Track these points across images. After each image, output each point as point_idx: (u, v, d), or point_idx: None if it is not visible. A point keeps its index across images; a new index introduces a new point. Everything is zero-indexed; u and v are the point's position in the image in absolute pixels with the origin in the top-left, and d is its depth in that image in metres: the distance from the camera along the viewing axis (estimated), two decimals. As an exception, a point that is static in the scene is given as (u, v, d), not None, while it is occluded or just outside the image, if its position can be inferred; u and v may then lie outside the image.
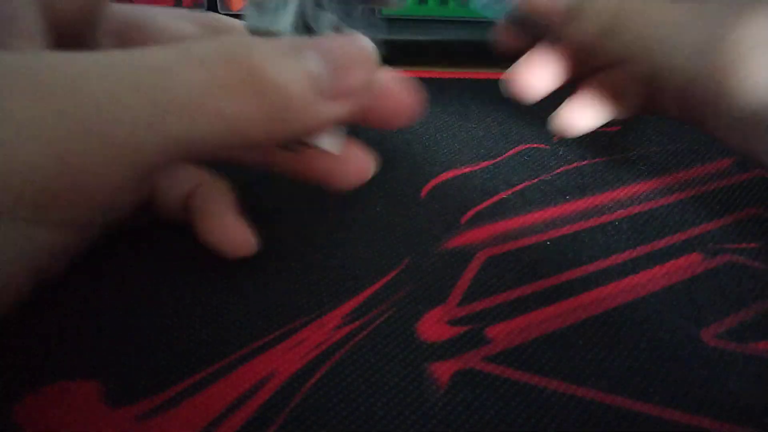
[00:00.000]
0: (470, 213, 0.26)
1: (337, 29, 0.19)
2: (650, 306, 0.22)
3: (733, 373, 0.20)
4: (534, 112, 0.34)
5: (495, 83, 0.37)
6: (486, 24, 0.42)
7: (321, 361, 0.19)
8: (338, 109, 0.16)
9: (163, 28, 0.21)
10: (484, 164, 0.29)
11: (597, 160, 0.30)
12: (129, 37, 0.21)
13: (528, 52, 0.29)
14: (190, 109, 0.14)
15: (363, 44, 0.17)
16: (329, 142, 0.19)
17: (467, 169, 0.29)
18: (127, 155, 0.13)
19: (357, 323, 0.21)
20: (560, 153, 0.30)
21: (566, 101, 0.28)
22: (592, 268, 0.24)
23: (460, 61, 0.41)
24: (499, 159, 0.30)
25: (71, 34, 0.18)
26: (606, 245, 0.25)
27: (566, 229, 0.26)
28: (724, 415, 0.18)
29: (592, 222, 0.26)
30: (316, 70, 0.16)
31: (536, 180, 0.28)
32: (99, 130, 0.13)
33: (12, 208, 0.13)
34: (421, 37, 0.41)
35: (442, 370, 0.19)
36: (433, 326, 0.21)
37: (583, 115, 0.28)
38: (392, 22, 0.43)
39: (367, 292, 0.22)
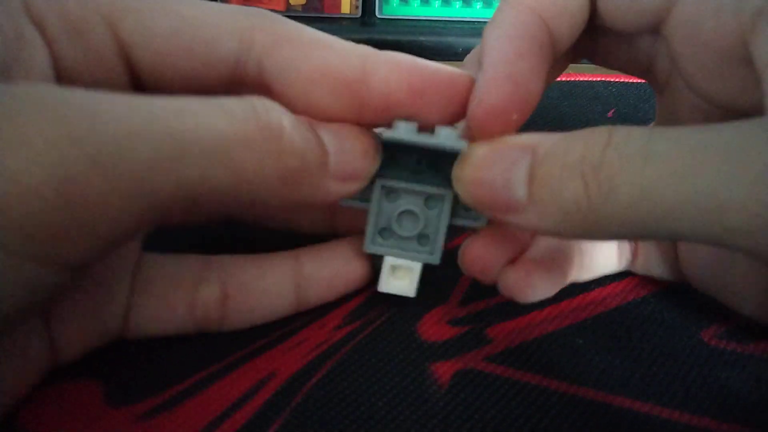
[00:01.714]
0: (471, 213, 0.26)
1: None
2: (651, 306, 0.22)
3: (732, 373, 0.20)
4: (534, 113, 0.34)
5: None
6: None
7: (322, 361, 0.20)
8: (342, 189, 0.17)
9: None
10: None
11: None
12: None
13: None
14: (209, 155, 0.14)
15: (369, 136, 0.18)
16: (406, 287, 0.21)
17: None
18: (136, 193, 0.13)
19: (357, 323, 0.21)
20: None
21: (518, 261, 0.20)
22: (592, 268, 0.24)
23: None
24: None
25: None
26: (606, 245, 0.25)
27: (567, 230, 0.26)
28: (723, 415, 0.18)
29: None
30: (330, 148, 0.16)
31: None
32: (110, 162, 0.12)
33: (3, 237, 0.12)
34: (423, 38, 0.41)
35: (443, 370, 0.19)
36: (434, 326, 0.21)
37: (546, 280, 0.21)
38: (394, 22, 0.44)
39: (368, 292, 0.22)
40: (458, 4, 0.42)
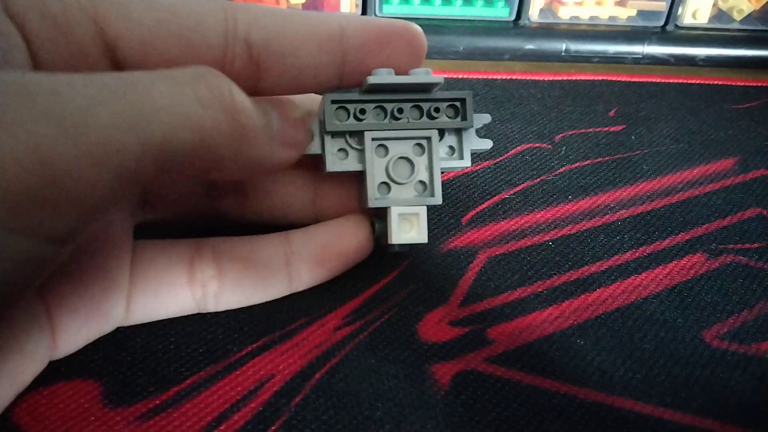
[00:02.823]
0: (472, 213, 0.26)
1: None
2: (652, 307, 0.22)
3: (735, 374, 0.20)
4: (535, 111, 0.34)
5: (497, 82, 0.37)
6: (489, 23, 0.42)
7: (321, 362, 0.19)
8: (287, 155, 0.18)
9: None
10: (485, 164, 0.29)
11: (599, 159, 0.30)
12: None
13: None
14: (169, 115, 0.14)
15: (299, 111, 0.19)
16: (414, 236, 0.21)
17: (468, 169, 0.29)
18: (109, 157, 0.13)
19: (357, 324, 0.21)
20: (562, 153, 0.30)
21: None
22: (594, 268, 0.24)
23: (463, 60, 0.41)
24: (500, 159, 0.30)
25: None
26: (608, 245, 0.25)
27: (568, 230, 0.25)
28: (726, 416, 0.18)
29: (594, 222, 0.26)
30: (271, 115, 0.17)
31: (538, 180, 0.28)
32: (75, 127, 0.13)
33: None
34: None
35: (443, 371, 0.19)
36: (434, 327, 0.21)
37: None
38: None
39: (368, 293, 0.22)
40: (459, 2, 0.42)
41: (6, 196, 0.12)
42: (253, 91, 0.19)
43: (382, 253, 0.23)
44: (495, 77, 0.37)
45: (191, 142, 0.15)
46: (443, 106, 0.21)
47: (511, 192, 0.27)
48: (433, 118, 0.21)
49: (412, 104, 0.21)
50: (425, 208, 0.21)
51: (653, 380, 0.19)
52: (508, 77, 0.37)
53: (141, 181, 0.14)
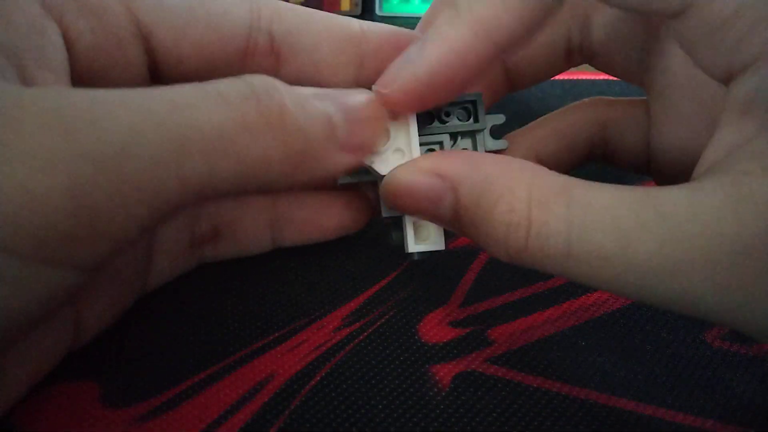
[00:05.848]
0: (472, 213, 0.26)
1: None
2: (653, 308, 0.22)
3: (736, 374, 0.20)
4: (537, 112, 0.34)
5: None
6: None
7: (321, 363, 0.19)
8: (350, 159, 0.17)
9: None
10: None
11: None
12: None
13: None
14: (213, 149, 0.14)
15: (373, 102, 0.18)
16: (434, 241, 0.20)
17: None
18: (145, 195, 0.13)
19: (357, 325, 0.21)
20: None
21: None
22: (594, 268, 0.24)
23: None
24: (501, 158, 0.29)
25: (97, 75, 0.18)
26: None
27: (569, 230, 0.25)
28: (727, 417, 0.18)
29: (594, 222, 0.26)
30: (335, 118, 0.16)
31: (538, 180, 0.28)
32: (118, 168, 0.13)
33: (15, 243, 0.12)
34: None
35: (444, 372, 0.19)
36: (435, 328, 0.21)
37: None
38: (397, 20, 0.43)
39: (368, 293, 0.22)
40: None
41: (34, 233, 0.12)
42: None
43: (381, 252, 0.23)
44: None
45: (235, 173, 0.14)
46: (454, 109, 0.20)
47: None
48: (444, 122, 0.20)
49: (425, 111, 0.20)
50: None
51: (654, 381, 0.19)
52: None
53: (178, 211, 0.14)
